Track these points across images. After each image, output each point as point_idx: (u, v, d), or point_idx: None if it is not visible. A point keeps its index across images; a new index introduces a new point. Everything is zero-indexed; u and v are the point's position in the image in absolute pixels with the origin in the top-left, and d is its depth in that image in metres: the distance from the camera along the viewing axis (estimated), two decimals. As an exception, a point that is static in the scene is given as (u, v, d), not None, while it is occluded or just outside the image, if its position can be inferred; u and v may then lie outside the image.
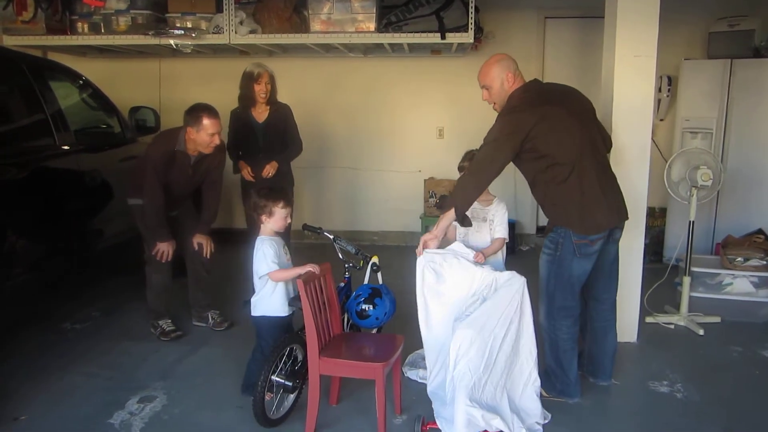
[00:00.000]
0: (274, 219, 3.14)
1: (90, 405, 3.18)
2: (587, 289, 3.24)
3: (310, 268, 3.00)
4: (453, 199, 3.04)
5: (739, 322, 4.31)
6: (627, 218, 3.18)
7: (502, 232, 3.44)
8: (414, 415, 2.96)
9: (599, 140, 3.16)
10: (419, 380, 3.37)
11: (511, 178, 6.62)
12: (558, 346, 3.17)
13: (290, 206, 3.20)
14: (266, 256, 3.06)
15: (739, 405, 3.23)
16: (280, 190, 3.30)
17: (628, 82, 3.74)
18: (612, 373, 3.40)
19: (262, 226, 3.18)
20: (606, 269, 3.24)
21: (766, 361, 3.79)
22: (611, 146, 3.35)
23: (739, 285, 4.37)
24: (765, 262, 4.35)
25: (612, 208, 3.07)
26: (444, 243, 3.21)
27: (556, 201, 3.05)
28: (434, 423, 2.86)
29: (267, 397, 2.93)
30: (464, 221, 3.11)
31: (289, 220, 3.20)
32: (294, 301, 3.07)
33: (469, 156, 3.41)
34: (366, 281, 3.46)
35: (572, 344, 3.18)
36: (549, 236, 3.13)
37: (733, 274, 4.38)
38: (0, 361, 3.55)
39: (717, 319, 4.33)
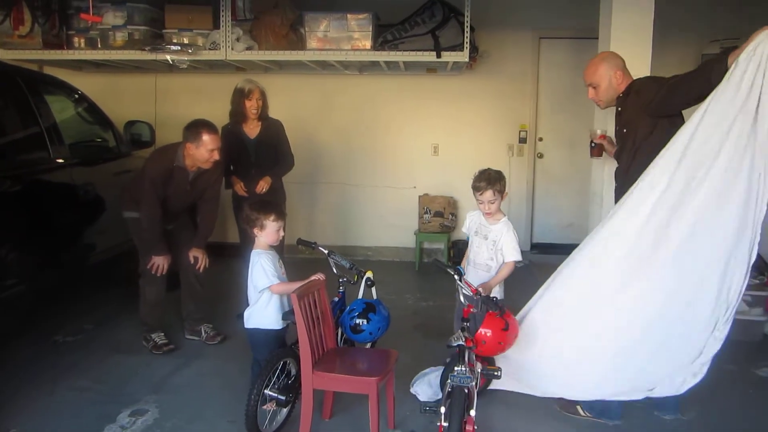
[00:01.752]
0: (266, 232, 3.14)
1: (81, 418, 3.16)
2: None
3: (314, 278, 3.03)
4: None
5: (732, 341, 4.27)
6: None
7: (511, 254, 3.38)
8: (407, 430, 2.94)
9: None
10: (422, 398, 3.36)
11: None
12: None
13: (282, 219, 3.20)
14: (265, 270, 3.06)
15: (733, 424, 3.23)
16: (272, 203, 3.32)
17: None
18: (678, 406, 3.23)
19: (256, 239, 3.19)
20: None
21: (760, 380, 3.80)
22: None
23: (732, 303, 4.38)
24: (758, 281, 4.36)
25: None
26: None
27: None
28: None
29: (267, 407, 2.94)
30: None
31: (282, 234, 3.21)
32: (288, 315, 3.07)
33: (486, 176, 3.36)
34: (360, 296, 3.46)
35: None
36: None
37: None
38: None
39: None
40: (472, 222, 3.55)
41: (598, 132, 3.70)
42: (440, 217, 6.39)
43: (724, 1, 6.05)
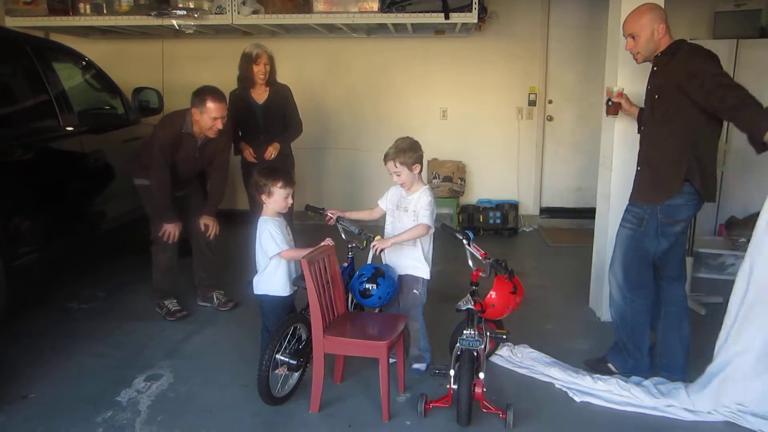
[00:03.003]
0: (274, 199, 3.15)
1: (97, 383, 3.22)
2: (661, 269, 3.23)
3: (324, 244, 3.06)
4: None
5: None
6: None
7: (425, 218, 3.19)
8: (417, 394, 2.99)
9: None
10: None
11: (514, 157, 6.65)
12: (633, 319, 3.20)
13: (291, 186, 3.20)
14: (274, 236, 3.08)
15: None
16: (281, 169, 3.32)
17: (633, 64, 3.71)
18: (687, 369, 3.22)
19: (264, 206, 3.20)
20: (681, 250, 3.24)
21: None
22: None
23: (742, 265, 4.38)
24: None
25: (714, 186, 3.09)
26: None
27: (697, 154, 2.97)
28: (437, 401, 2.90)
29: (279, 372, 3.00)
30: None
31: (290, 201, 3.21)
32: (298, 280, 3.10)
33: (394, 145, 3.21)
34: (369, 261, 3.46)
35: (646, 317, 3.21)
36: (632, 212, 3.14)
37: (736, 255, 4.39)
38: (8, 341, 3.60)
39: (719, 299, 4.33)
40: (393, 196, 3.39)
41: (615, 90, 3.63)
42: (449, 182, 6.39)
43: (739, -43, 5.91)
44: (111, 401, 3.05)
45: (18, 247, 3.38)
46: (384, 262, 3.36)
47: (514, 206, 6.43)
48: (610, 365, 3.31)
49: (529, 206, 6.77)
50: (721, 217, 5.37)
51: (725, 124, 4.85)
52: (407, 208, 3.29)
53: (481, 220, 6.36)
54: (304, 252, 2.95)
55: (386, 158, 3.21)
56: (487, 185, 6.73)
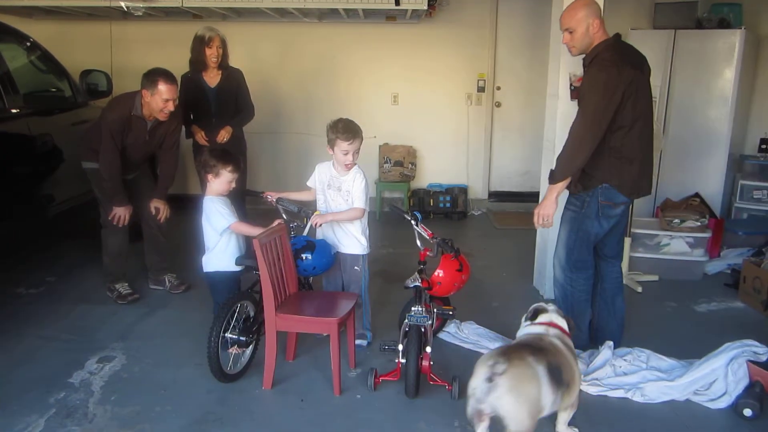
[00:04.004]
0: (219, 180, 3.24)
1: (49, 366, 3.23)
2: (600, 249, 3.37)
3: (275, 224, 3.14)
4: (564, 168, 3.05)
5: (675, 280, 4.56)
6: (650, 192, 3.29)
7: (359, 201, 3.32)
8: (367, 369, 3.09)
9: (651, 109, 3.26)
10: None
11: (464, 142, 6.78)
12: (574, 297, 3.33)
13: (237, 173, 3.30)
14: (222, 212, 3.16)
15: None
16: (232, 154, 3.39)
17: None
18: (621, 342, 3.41)
19: (207, 185, 3.26)
20: (620, 231, 3.38)
21: (697, 314, 4.05)
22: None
23: (676, 245, 4.62)
24: (700, 224, 4.60)
25: (646, 177, 3.20)
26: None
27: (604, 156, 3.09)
28: (386, 375, 3.01)
29: (231, 351, 3.07)
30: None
31: (233, 185, 3.30)
32: (241, 259, 3.16)
33: (353, 126, 3.31)
34: (305, 233, 3.48)
35: (587, 296, 3.36)
36: (576, 195, 3.26)
37: (670, 235, 4.62)
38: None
39: (655, 278, 4.58)
40: (321, 175, 3.42)
41: (578, 74, 3.76)
42: (400, 166, 6.48)
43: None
44: (63, 383, 3.06)
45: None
46: (317, 237, 3.43)
47: (463, 190, 6.58)
48: None
49: (478, 190, 6.93)
50: (658, 200, 5.60)
51: (661, 114, 5.04)
52: (340, 188, 3.34)
53: (432, 203, 6.48)
54: (255, 229, 3.02)
55: (349, 139, 3.25)
56: (438, 170, 6.86)
